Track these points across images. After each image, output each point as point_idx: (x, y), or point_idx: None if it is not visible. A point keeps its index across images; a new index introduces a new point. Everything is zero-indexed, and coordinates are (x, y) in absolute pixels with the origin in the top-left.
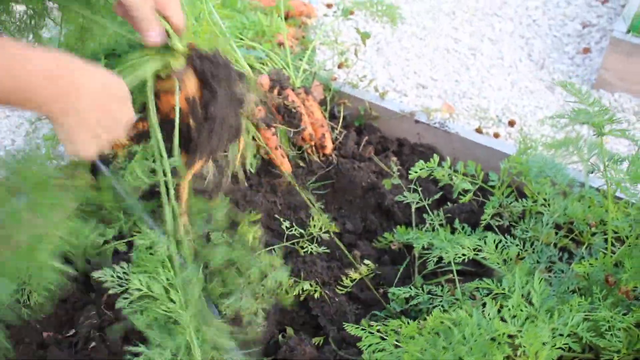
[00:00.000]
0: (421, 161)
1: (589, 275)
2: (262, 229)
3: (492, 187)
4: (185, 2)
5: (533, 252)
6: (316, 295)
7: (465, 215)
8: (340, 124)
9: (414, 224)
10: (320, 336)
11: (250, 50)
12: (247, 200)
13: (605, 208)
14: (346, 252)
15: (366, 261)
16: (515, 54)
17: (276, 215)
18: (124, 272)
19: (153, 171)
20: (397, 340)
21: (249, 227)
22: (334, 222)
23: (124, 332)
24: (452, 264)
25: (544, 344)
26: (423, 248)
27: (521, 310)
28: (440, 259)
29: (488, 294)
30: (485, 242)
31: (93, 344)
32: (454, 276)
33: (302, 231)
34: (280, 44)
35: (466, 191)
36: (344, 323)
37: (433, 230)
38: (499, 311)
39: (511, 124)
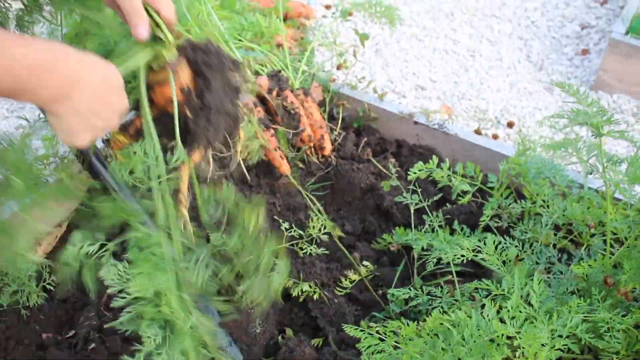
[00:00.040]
0: (420, 162)
1: (588, 277)
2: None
3: (491, 188)
4: (184, 3)
5: (532, 253)
6: (315, 296)
7: (464, 217)
8: (339, 125)
9: (412, 225)
10: (320, 337)
11: (249, 51)
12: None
13: (604, 209)
14: (346, 252)
15: (365, 262)
16: (514, 55)
17: (275, 217)
18: (119, 274)
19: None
20: (396, 342)
21: (251, 213)
22: (332, 224)
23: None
24: (452, 265)
25: (542, 345)
26: (422, 249)
27: (520, 312)
28: (440, 260)
29: (487, 295)
30: (484, 243)
31: (93, 344)
32: (453, 277)
33: (301, 232)
34: (279, 45)
35: (465, 192)
36: (343, 324)
37: (432, 231)
38: (498, 312)
39: (510, 125)
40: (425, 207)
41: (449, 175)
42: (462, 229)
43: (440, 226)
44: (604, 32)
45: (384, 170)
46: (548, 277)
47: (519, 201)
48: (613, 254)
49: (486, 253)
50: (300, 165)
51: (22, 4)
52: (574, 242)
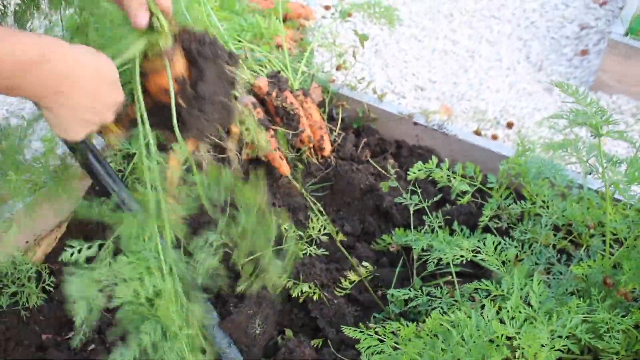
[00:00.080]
0: (420, 162)
1: (587, 277)
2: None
3: (491, 189)
4: (183, 4)
5: (532, 254)
6: (315, 297)
7: (464, 217)
8: (338, 126)
9: (412, 226)
10: (319, 338)
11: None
12: None
13: (603, 210)
14: (347, 254)
15: (365, 263)
16: (514, 56)
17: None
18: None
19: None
20: (395, 342)
21: (253, 191)
22: (332, 224)
23: (123, 334)
24: (451, 265)
25: (542, 345)
26: (422, 250)
27: (520, 312)
28: (439, 260)
29: (487, 296)
30: (483, 244)
31: (92, 346)
32: (452, 278)
33: (301, 233)
34: (279, 46)
35: (464, 193)
36: (342, 325)
37: (432, 232)
38: (497, 313)
39: (509, 125)
40: (425, 207)
41: (448, 176)
42: (461, 230)
43: (439, 227)
44: (603, 33)
45: (383, 171)
46: (547, 278)
47: (518, 202)
48: (612, 255)
49: (485, 254)
50: (300, 165)
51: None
52: (573, 243)
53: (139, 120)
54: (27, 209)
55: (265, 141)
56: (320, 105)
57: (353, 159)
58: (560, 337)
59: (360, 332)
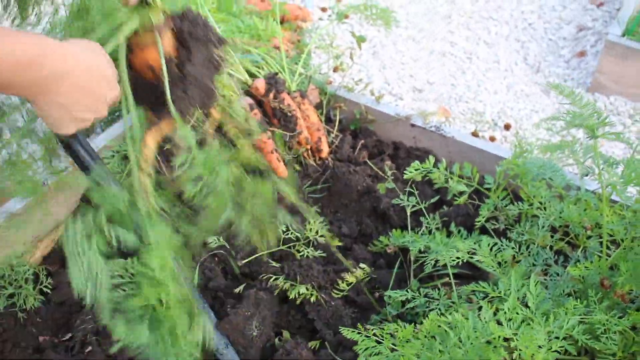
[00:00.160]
0: (417, 162)
1: (584, 279)
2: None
3: (488, 189)
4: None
5: (529, 255)
6: (312, 299)
7: (461, 219)
8: (336, 127)
9: (409, 228)
10: (317, 340)
11: (246, 54)
12: None
13: (600, 211)
14: (343, 259)
15: (362, 265)
16: (511, 57)
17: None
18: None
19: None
20: (393, 344)
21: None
22: (328, 226)
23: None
24: (448, 267)
25: (539, 347)
26: (419, 251)
27: (517, 314)
28: (437, 262)
29: (484, 297)
30: (479, 246)
31: (89, 348)
32: (450, 279)
33: (298, 235)
34: (276, 48)
35: (461, 193)
36: (340, 327)
37: (429, 233)
38: (494, 314)
39: (507, 127)
40: (422, 209)
41: (445, 176)
42: (459, 231)
43: (437, 228)
44: (600, 34)
45: (381, 173)
46: (545, 279)
47: (515, 203)
48: (609, 256)
49: (481, 255)
50: (297, 167)
51: None
52: (570, 244)
53: (123, 97)
54: (26, 210)
55: (256, 124)
56: (318, 107)
57: (350, 160)
58: (557, 338)
59: (358, 333)
